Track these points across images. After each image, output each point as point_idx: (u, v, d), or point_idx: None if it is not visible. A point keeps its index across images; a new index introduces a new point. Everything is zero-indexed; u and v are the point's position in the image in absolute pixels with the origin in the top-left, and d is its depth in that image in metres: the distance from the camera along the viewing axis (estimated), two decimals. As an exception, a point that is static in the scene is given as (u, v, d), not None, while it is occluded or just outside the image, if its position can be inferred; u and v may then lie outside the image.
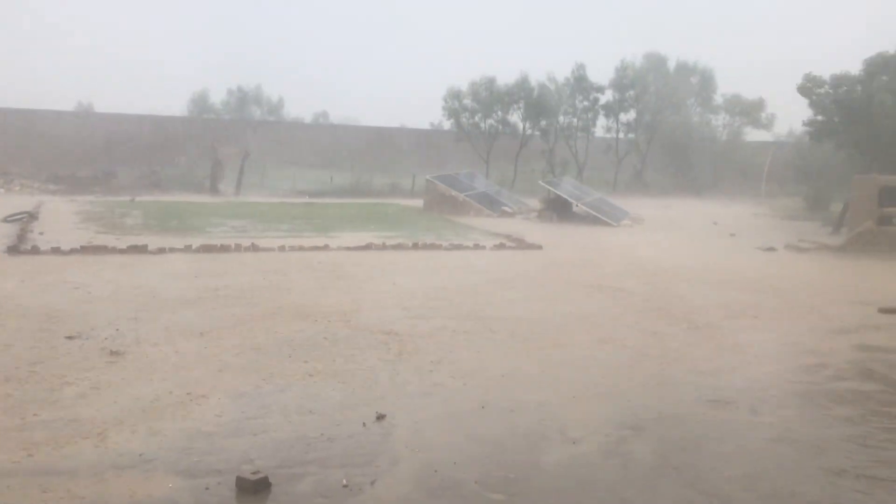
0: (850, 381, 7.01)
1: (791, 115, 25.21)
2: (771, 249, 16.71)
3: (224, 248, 13.97)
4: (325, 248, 14.60)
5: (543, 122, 36.97)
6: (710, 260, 14.78)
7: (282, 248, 14.22)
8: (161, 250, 13.50)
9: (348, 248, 14.59)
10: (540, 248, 15.80)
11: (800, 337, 8.68)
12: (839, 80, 20.82)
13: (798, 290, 11.65)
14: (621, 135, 38.85)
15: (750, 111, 38.77)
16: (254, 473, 4.50)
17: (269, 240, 15.32)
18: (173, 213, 20.74)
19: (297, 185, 32.41)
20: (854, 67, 21.16)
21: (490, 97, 36.43)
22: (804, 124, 22.86)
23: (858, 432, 5.69)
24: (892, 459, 5.16)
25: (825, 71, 21.67)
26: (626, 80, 37.53)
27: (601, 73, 38.49)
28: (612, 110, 38.00)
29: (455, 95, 36.77)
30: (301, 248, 14.33)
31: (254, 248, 14.11)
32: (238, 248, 14.07)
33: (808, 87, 21.35)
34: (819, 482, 4.80)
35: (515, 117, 37.43)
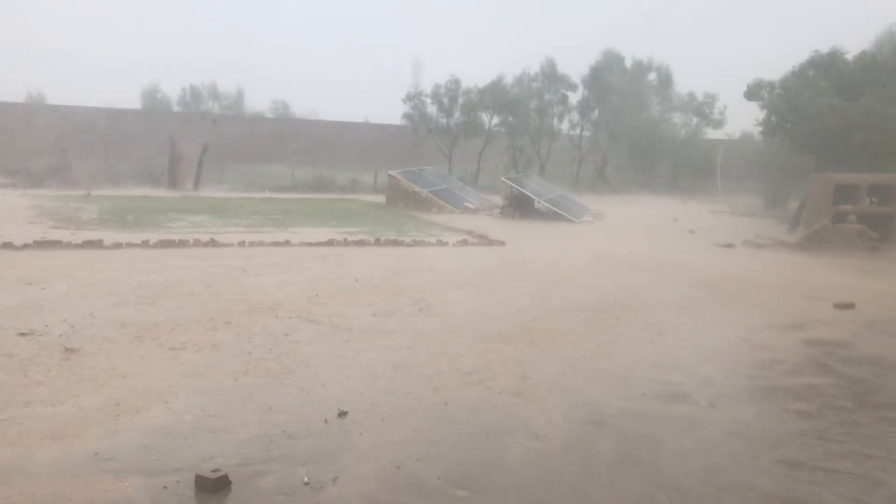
0: (806, 377, 7.15)
1: (744, 113, 25.62)
2: (729, 246, 16.97)
3: (182, 244, 13.75)
4: (286, 243, 14.45)
5: (510, 119, 37.02)
6: (669, 256, 14.96)
7: (241, 244, 14.04)
8: (117, 245, 13.24)
9: (310, 244, 14.46)
10: (503, 244, 15.84)
11: (756, 332, 8.82)
12: (785, 83, 21.26)
13: (755, 286, 11.84)
14: (585, 132, 39.11)
15: (702, 108, 39.25)
16: (213, 472, 4.43)
17: (228, 235, 15.12)
18: (130, 208, 20.36)
19: (257, 180, 32.05)
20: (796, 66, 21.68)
21: (451, 102, 36.23)
22: (756, 124, 23.28)
23: (814, 426, 5.80)
24: (848, 452, 5.27)
25: (776, 69, 22.09)
26: (590, 80, 37.73)
27: (571, 71, 38.50)
28: (585, 108, 38.20)
29: (414, 97, 36.52)
30: (261, 244, 14.17)
31: (213, 243, 13.91)
32: (197, 243, 13.86)
33: (755, 92, 21.75)
34: (776, 475, 4.88)
35: (482, 116, 37.43)
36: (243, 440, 5.08)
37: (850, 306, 10.27)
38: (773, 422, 5.90)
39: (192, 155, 29.66)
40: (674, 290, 11.19)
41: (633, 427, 5.64)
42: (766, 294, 11.25)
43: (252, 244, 14.10)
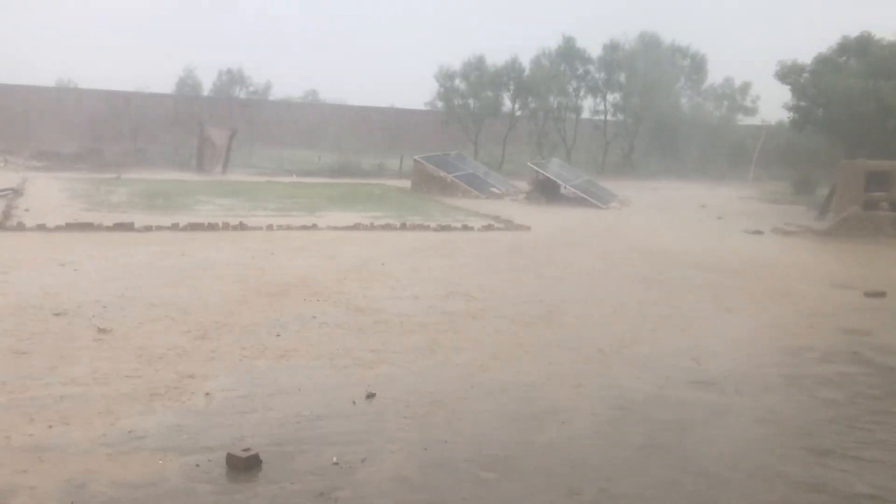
0: (836, 364, 7.08)
1: (776, 100, 25.20)
2: (757, 233, 16.80)
3: (211, 227, 13.89)
4: (313, 227, 14.55)
5: (532, 104, 36.87)
6: (697, 242, 14.85)
7: (269, 228, 14.16)
8: (148, 228, 13.41)
9: (336, 228, 14.55)
10: (528, 229, 15.81)
11: (785, 320, 8.75)
12: (816, 67, 20.91)
13: (784, 273, 11.73)
14: (610, 116, 38.83)
15: (736, 95, 38.80)
16: (244, 451, 4.50)
17: (256, 219, 15.24)
18: (160, 192, 20.57)
19: (284, 164, 32.22)
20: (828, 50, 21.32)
21: (480, 77, 36.25)
22: (786, 109, 22.95)
23: (845, 414, 5.76)
24: (879, 440, 5.23)
25: (807, 54, 21.75)
26: (614, 59, 37.41)
27: (591, 51, 38.17)
28: (599, 89, 37.90)
29: (448, 75, 36.55)
30: (289, 228, 14.28)
31: (241, 227, 14.04)
32: (225, 226, 14.00)
33: (785, 73, 21.42)
34: (804, 462, 4.86)
35: (505, 99, 37.33)
36: (273, 421, 5.15)
37: (882, 295, 10.14)
38: (801, 409, 5.87)
39: (220, 139, 29.87)
40: (701, 277, 11.12)
41: (660, 412, 5.63)
42: (795, 281, 11.14)
43: (280, 228, 14.22)
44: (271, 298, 8.63)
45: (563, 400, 5.79)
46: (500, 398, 5.79)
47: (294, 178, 28.49)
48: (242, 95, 44.95)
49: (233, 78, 45.91)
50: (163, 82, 52.01)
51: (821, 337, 8.01)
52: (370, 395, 5.68)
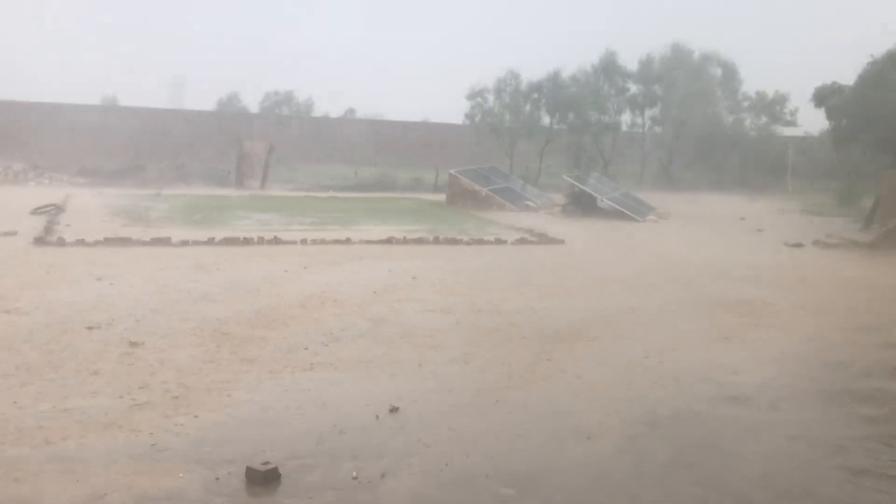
0: (876, 380, 6.87)
1: (817, 111, 24.70)
2: (798, 245, 16.44)
3: (247, 242, 14.02)
4: (347, 241, 14.60)
5: (571, 116, 36.68)
6: (736, 255, 14.57)
7: (304, 242, 14.25)
8: (184, 243, 13.58)
9: (370, 242, 14.58)
10: (562, 242, 15.68)
11: (825, 333, 8.53)
12: (861, 81, 20.47)
13: (824, 287, 11.45)
14: (647, 128, 38.48)
15: (772, 106, 38.12)
16: (264, 464, 4.50)
17: (292, 233, 15.36)
18: (198, 207, 20.88)
19: (321, 179, 32.50)
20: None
21: (515, 94, 36.19)
22: (828, 129, 22.51)
23: (882, 431, 5.57)
24: (916, 459, 5.04)
25: (842, 67, 21.31)
26: (651, 73, 37.12)
27: (626, 65, 37.90)
28: (637, 104, 37.61)
29: (478, 94, 36.56)
30: (323, 242, 14.35)
31: (276, 241, 14.15)
32: (261, 241, 14.12)
33: (824, 97, 21.01)
34: (838, 481, 4.70)
35: (542, 113, 37.18)
36: (295, 434, 5.15)
37: (926, 308, 9.83)
38: (837, 426, 5.69)
39: (258, 155, 30.26)
40: (740, 290, 10.90)
41: (689, 429, 5.50)
42: (836, 295, 10.86)
43: (314, 242, 14.29)
44: (301, 312, 8.66)
45: (590, 416, 5.69)
46: (525, 414, 5.71)
47: (331, 193, 28.70)
48: (285, 112, 45.55)
49: (279, 99, 46.64)
50: (204, 101, 53.05)
51: (861, 352, 7.78)
52: (393, 409, 5.64)
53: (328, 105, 57.34)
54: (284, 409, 5.61)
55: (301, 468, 4.62)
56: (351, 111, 48.89)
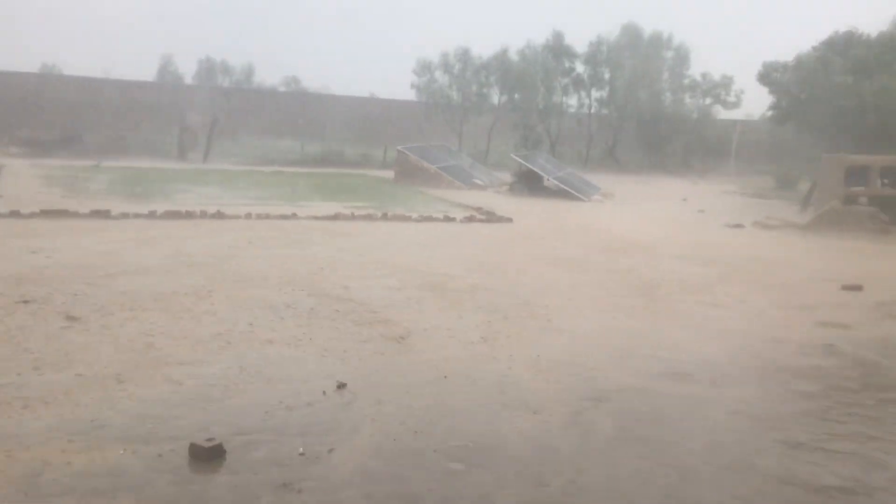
0: (812, 357, 7.06)
1: (759, 94, 25.22)
2: (738, 226, 16.83)
3: (189, 215, 13.74)
4: (293, 216, 14.42)
5: (517, 96, 36.76)
6: (678, 235, 14.85)
7: (248, 216, 14.02)
8: (124, 216, 13.24)
9: (316, 218, 14.42)
10: (510, 220, 15.75)
11: (763, 312, 8.74)
12: (800, 63, 20.98)
13: (763, 267, 11.74)
14: (594, 110, 38.82)
15: (717, 89, 38.81)
16: (208, 440, 4.41)
17: (235, 207, 15.09)
18: (139, 179, 20.36)
19: (266, 153, 31.98)
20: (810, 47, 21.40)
21: (464, 69, 36.10)
22: (768, 109, 23.01)
23: (817, 406, 5.73)
24: (850, 433, 5.20)
25: (788, 50, 21.82)
26: (599, 55, 37.40)
27: (576, 46, 38.07)
28: (584, 85, 37.87)
29: (426, 68, 36.36)
30: (268, 217, 14.15)
31: (220, 215, 13.89)
32: (203, 214, 13.85)
33: (768, 74, 21.45)
34: (776, 454, 4.82)
35: (491, 91, 37.18)
36: (240, 410, 5.06)
37: (858, 288, 10.15)
38: (776, 402, 5.84)
39: (201, 127, 29.63)
40: (681, 269, 11.10)
41: (633, 404, 5.58)
42: (774, 275, 11.14)
43: (259, 216, 14.08)
44: (246, 287, 8.51)
45: (536, 391, 5.73)
46: (472, 389, 5.72)
47: (276, 168, 28.28)
48: (225, 84, 44.45)
49: (213, 67, 45.43)
50: (143, 70, 51.40)
51: (798, 330, 7.99)
52: (341, 385, 5.60)
53: (271, 76, 56.02)
54: (230, 385, 5.51)
55: (247, 444, 4.55)
56: (294, 80, 47.97)
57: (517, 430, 5.00)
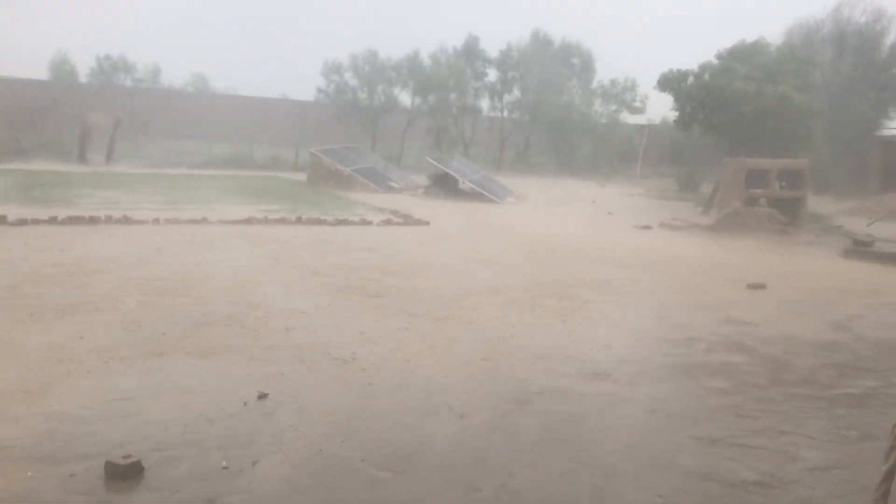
0: (722, 354, 7.33)
1: (663, 99, 26.11)
2: (646, 228, 17.34)
3: (93, 220, 13.18)
4: (204, 221, 14.02)
5: (431, 99, 36.86)
6: (588, 237, 15.19)
7: (156, 221, 13.55)
8: (22, 221, 12.58)
9: (228, 222, 14.07)
10: (427, 223, 15.76)
11: (673, 311, 9.02)
12: (703, 69, 21.81)
13: (671, 267, 12.12)
14: (506, 114, 39.34)
15: (623, 94, 39.96)
16: (125, 458, 4.22)
17: (142, 212, 14.57)
18: (37, 183, 19.40)
19: (173, 155, 31.03)
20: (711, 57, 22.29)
21: (373, 71, 35.95)
22: (672, 109, 23.78)
23: (730, 402, 5.94)
24: (763, 428, 5.42)
25: (690, 59, 22.57)
26: (510, 61, 37.95)
27: (491, 52, 38.52)
28: (495, 91, 38.36)
29: (335, 69, 36.04)
30: (177, 222, 13.71)
31: (126, 220, 13.38)
32: (108, 220, 13.32)
33: (668, 82, 22.17)
34: (694, 451, 4.97)
35: (403, 94, 37.20)
36: (158, 425, 4.86)
37: (762, 287, 10.62)
38: (691, 399, 6.02)
39: (103, 128, 28.50)
40: (594, 270, 11.34)
41: (556, 405, 5.66)
42: (682, 275, 11.52)
43: (168, 221, 13.63)
44: (156, 296, 8.22)
45: (461, 395, 5.74)
46: (397, 396, 5.68)
47: (184, 170, 27.48)
48: (128, 83, 42.79)
49: (115, 65, 43.63)
50: (35, 68, 48.79)
51: (707, 328, 8.28)
52: (262, 396, 5.46)
53: (179, 76, 54.24)
54: (146, 398, 5.29)
55: (166, 460, 4.38)
56: (201, 78, 46.60)
57: (443, 434, 4.99)
